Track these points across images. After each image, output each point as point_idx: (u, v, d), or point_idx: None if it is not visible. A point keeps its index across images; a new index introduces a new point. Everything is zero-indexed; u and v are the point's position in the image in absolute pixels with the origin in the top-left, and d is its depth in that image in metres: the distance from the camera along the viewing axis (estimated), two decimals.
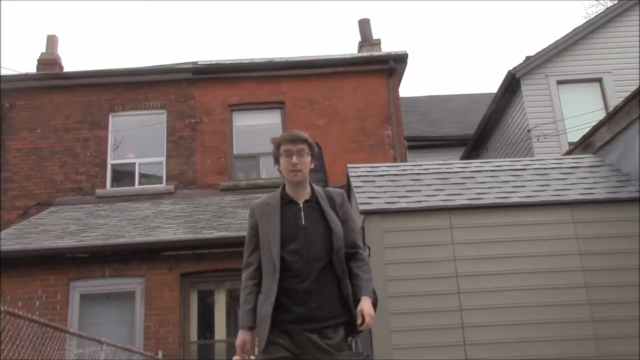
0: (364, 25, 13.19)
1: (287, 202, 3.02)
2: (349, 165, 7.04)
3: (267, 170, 11.23)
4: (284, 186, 3.10)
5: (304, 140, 3.02)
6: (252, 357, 2.99)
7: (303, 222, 2.93)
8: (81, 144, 11.29)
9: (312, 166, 3.07)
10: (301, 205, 2.99)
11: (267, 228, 2.95)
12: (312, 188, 3.08)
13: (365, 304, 2.84)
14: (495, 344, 5.49)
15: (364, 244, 3.28)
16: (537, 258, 5.76)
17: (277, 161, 3.10)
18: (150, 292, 8.59)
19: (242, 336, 2.90)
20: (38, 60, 12.63)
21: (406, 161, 11.19)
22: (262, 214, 3.02)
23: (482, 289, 5.67)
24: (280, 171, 3.09)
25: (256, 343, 2.95)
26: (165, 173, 11.18)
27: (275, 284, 2.82)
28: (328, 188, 3.21)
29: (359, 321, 2.81)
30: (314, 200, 3.03)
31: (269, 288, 2.86)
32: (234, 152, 11.31)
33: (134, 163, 11.35)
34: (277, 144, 3.07)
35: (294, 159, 2.97)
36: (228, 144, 11.33)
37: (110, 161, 11.27)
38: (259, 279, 2.97)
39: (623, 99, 6.90)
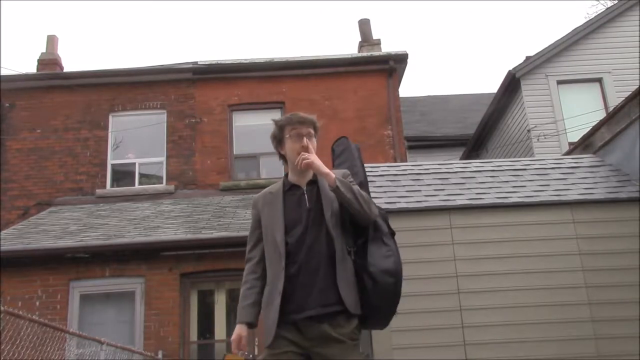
0: (364, 25, 13.19)
1: (289, 188, 2.86)
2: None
3: (267, 170, 11.24)
4: (286, 175, 2.94)
5: (313, 123, 2.86)
6: (246, 353, 2.85)
7: (308, 205, 2.77)
8: (81, 144, 11.29)
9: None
10: (304, 189, 2.83)
11: (270, 217, 2.80)
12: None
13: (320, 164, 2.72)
14: (495, 344, 5.49)
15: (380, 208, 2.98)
16: (537, 258, 5.76)
17: (279, 144, 2.89)
18: (150, 292, 8.59)
19: (237, 331, 2.74)
20: (38, 60, 12.64)
21: (406, 161, 11.19)
22: (265, 204, 2.86)
23: (482, 289, 5.67)
24: (281, 155, 2.90)
25: (256, 342, 2.85)
26: (165, 173, 11.18)
27: (282, 272, 2.65)
28: (333, 170, 2.99)
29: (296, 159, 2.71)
30: (315, 179, 2.86)
31: (275, 277, 2.68)
32: (234, 152, 11.31)
33: (134, 163, 11.35)
34: (282, 126, 2.85)
35: (305, 142, 2.79)
36: (228, 144, 11.33)
37: (110, 161, 11.27)
38: (261, 272, 2.81)
39: (623, 99, 6.90)
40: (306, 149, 2.78)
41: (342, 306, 2.62)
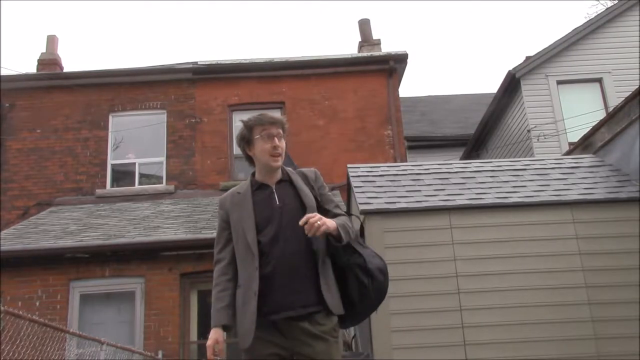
0: (364, 25, 13.19)
1: (257, 187, 2.82)
2: (349, 166, 7.04)
3: None
4: (252, 173, 2.90)
5: (283, 123, 2.84)
6: (222, 358, 2.76)
7: (277, 203, 2.74)
8: (81, 144, 11.29)
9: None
10: (273, 187, 2.80)
11: (239, 216, 2.74)
12: (283, 170, 2.89)
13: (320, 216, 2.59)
14: (495, 344, 5.49)
15: (351, 213, 3.05)
16: (537, 258, 5.76)
17: (247, 144, 2.83)
18: (150, 292, 8.59)
19: (214, 335, 2.66)
20: (38, 60, 12.65)
21: (406, 161, 11.20)
22: (233, 204, 2.81)
23: (482, 289, 5.67)
24: (248, 156, 2.86)
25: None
26: (165, 173, 11.19)
27: (256, 272, 2.60)
28: (300, 169, 3.02)
29: (301, 222, 2.53)
30: (286, 179, 2.84)
31: (249, 278, 2.63)
32: (234, 152, 11.31)
33: (134, 163, 11.35)
34: (251, 126, 2.81)
35: (276, 142, 2.76)
36: (228, 144, 11.33)
37: (110, 161, 11.28)
38: (233, 274, 2.74)
39: (623, 99, 6.90)
40: (277, 149, 2.76)
41: (322, 306, 2.61)
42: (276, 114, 2.90)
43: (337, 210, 2.86)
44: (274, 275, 2.60)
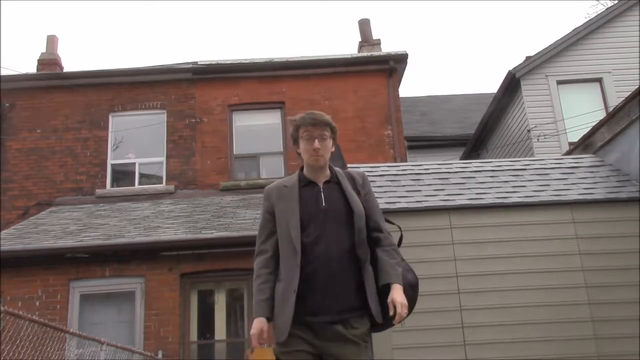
0: (364, 25, 13.19)
1: (305, 184, 2.82)
2: (349, 165, 7.04)
3: (267, 170, 11.24)
4: (301, 168, 2.90)
5: (327, 124, 2.82)
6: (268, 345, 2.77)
7: (324, 204, 2.73)
8: (81, 144, 11.29)
9: (333, 149, 2.87)
10: (321, 186, 2.80)
11: (285, 211, 2.74)
12: (331, 170, 2.89)
13: (396, 292, 2.59)
14: (495, 344, 5.49)
15: (395, 224, 3.03)
16: (537, 258, 5.76)
17: (295, 142, 2.88)
18: (150, 292, 8.59)
19: (258, 325, 2.65)
20: (38, 60, 12.64)
21: (406, 161, 11.19)
22: (280, 197, 2.80)
23: (482, 289, 5.67)
24: (298, 153, 2.88)
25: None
26: (165, 173, 11.18)
27: (297, 269, 2.60)
28: (348, 169, 3.00)
29: (390, 312, 2.55)
30: (334, 180, 2.84)
31: (290, 274, 2.63)
32: (234, 152, 11.31)
33: (134, 163, 11.35)
34: (297, 126, 2.84)
35: (316, 144, 2.76)
36: (228, 144, 11.33)
37: (110, 161, 11.27)
38: (274, 267, 2.74)
39: (623, 99, 6.90)
40: (317, 151, 2.76)
41: (357, 312, 2.63)
42: (322, 114, 2.87)
43: (383, 224, 2.86)
44: (314, 276, 2.61)
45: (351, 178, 2.87)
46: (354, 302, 2.63)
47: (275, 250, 2.76)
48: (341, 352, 2.57)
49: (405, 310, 2.55)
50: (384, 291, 2.67)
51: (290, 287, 2.61)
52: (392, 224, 3.04)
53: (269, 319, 2.69)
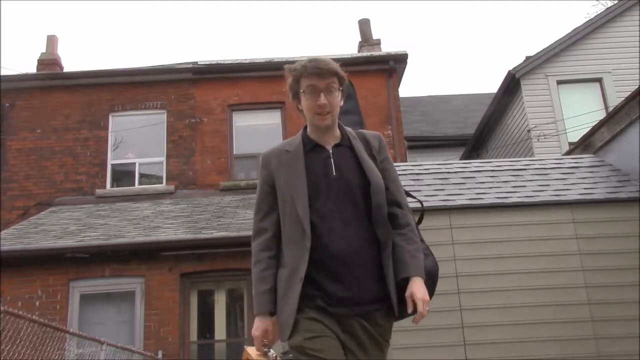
0: (364, 25, 13.19)
1: (311, 147, 2.33)
2: None
3: None
4: (305, 128, 2.40)
5: (334, 73, 2.29)
6: (272, 351, 2.26)
7: (334, 173, 2.26)
8: (81, 144, 11.29)
9: (342, 103, 2.35)
10: (330, 151, 2.31)
11: (288, 182, 2.26)
12: (342, 130, 2.39)
13: (416, 286, 2.19)
14: (495, 344, 5.49)
15: (415, 198, 2.58)
16: (537, 258, 5.76)
17: (295, 98, 2.35)
18: (150, 292, 8.59)
19: (261, 325, 2.23)
20: (38, 60, 12.65)
21: (406, 161, 11.19)
22: (280, 164, 2.31)
23: (482, 289, 5.67)
24: (300, 110, 2.37)
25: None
26: (165, 173, 11.19)
27: (306, 253, 2.16)
28: (362, 130, 2.49)
29: (409, 310, 2.18)
30: (345, 144, 2.34)
31: (296, 259, 2.19)
32: (234, 152, 11.31)
33: (134, 163, 11.35)
34: (297, 76, 2.31)
35: (322, 99, 2.25)
36: (228, 144, 11.34)
37: (110, 161, 11.28)
38: (277, 249, 2.29)
39: (623, 99, 6.90)
40: (323, 107, 2.27)
41: (378, 305, 2.23)
42: (327, 61, 2.31)
43: (402, 198, 2.40)
44: (326, 261, 2.18)
45: (365, 141, 2.39)
46: (376, 292, 2.22)
47: (276, 229, 2.31)
48: (362, 352, 2.21)
49: (427, 308, 2.19)
50: (401, 283, 2.27)
51: (297, 275, 2.18)
52: (413, 197, 2.59)
53: (272, 314, 2.26)
